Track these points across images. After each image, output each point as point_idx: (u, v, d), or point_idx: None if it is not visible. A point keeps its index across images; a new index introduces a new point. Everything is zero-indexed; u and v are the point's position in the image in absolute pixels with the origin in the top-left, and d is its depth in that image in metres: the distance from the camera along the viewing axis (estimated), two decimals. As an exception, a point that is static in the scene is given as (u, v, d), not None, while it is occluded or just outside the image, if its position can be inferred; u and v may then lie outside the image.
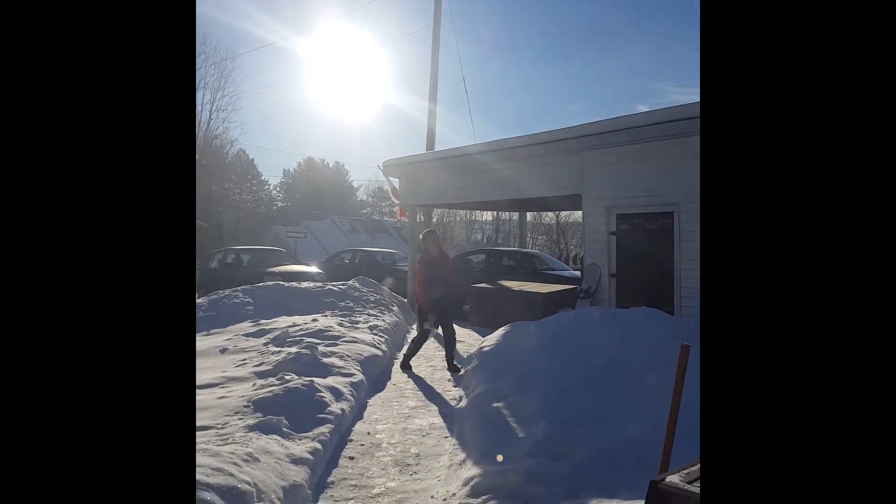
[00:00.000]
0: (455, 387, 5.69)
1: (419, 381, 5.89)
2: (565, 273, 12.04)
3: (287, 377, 4.51)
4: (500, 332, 6.54)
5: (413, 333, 8.43)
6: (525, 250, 14.60)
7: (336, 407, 4.28)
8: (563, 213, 29.18)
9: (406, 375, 6.11)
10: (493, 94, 77.62)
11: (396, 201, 13.17)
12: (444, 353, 6.58)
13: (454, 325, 6.56)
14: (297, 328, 6.63)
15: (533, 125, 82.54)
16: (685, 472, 1.64)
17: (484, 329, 8.72)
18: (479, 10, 66.90)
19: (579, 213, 9.49)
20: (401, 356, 6.98)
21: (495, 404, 4.53)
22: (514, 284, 10.04)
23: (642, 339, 5.36)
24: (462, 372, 6.06)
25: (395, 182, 12.76)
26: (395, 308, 9.40)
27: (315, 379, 4.58)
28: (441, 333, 6.56)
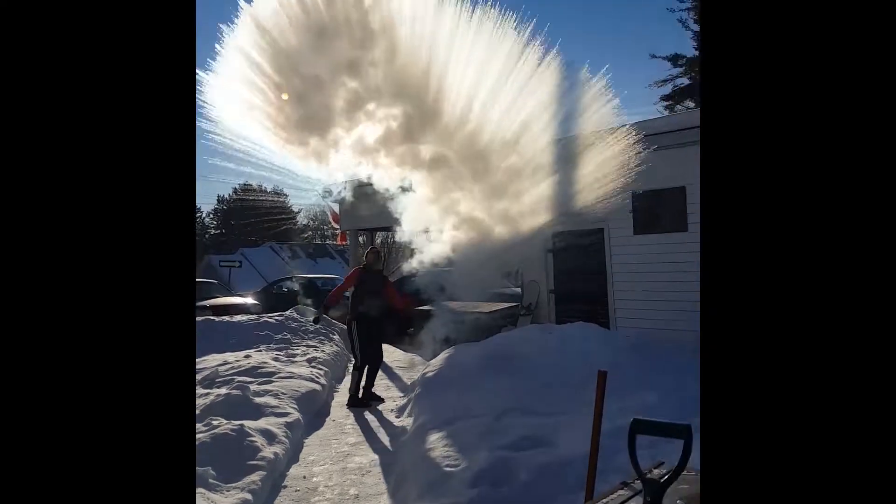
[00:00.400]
0: (397, 417, 5.55)
1: (360, 415, 5.71)
2: (506, 290, 12.12)
3: (215, 422, 4.25)
4: (442, 355, 6.48)
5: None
6: (467, 269, 14.63)
7: (269, 451, 4.06)
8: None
9: (346, 410, 5.91)
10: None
11: (337, 226, 12.96)
12: (387, 380, 6.46)
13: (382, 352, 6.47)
14: (227, 366, 6.32)
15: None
16: (607, 499, 1.60)
17: (428, 353, 8.62)
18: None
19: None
20: (342, 388, 6.79)
21: (437, 434, 4.43)
22: (457, 305, 10.00)
23: (579, 355, 5.42)
24: (406, 400, 5.93)
25: (336, 207, 12.56)
26: (336, 337, 9.16)
27: (245, 422, 4.34)
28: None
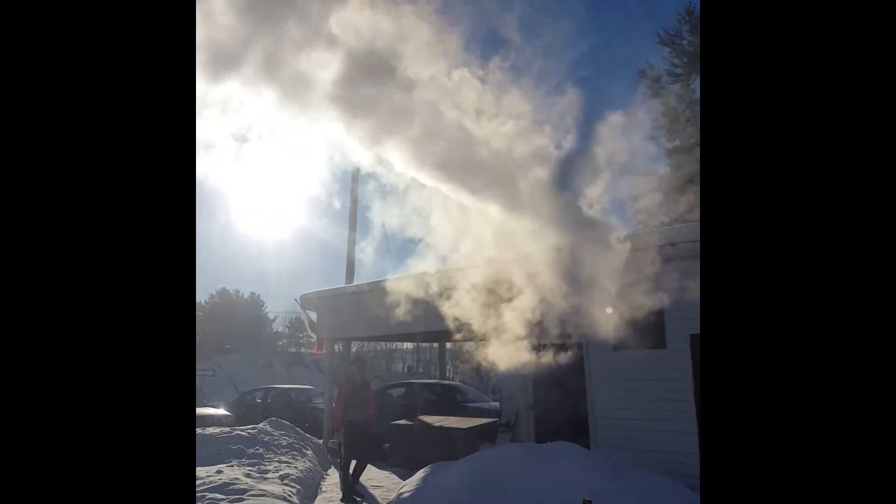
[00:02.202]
0: (372, 542, 5.29)
1: (333, 538, 5.43)
2: (485, 405, 11.97)
3: (182, 545, 4.04)
4: (419, 475, 6.30)
5: (331, 478, 7.90)
6: (445, 382, 14.48)
7: (237, 578, 3.84)
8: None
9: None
10: (412, 224, 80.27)
11: (313, 336, 12.89)
12: (367, 488, 6.35)
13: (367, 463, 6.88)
14: (199, 482, 6.04)
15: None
16: None
17: (405, 470, 8.32)
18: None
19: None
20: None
21: (414, 562, 4.25)
22: (435, 420, 9.80)
23: (560, 478, 5.34)
24: None
25: (313, 316, 12.58)
26: (310, 452, 8.84)
27: (215, 545, 4.13)
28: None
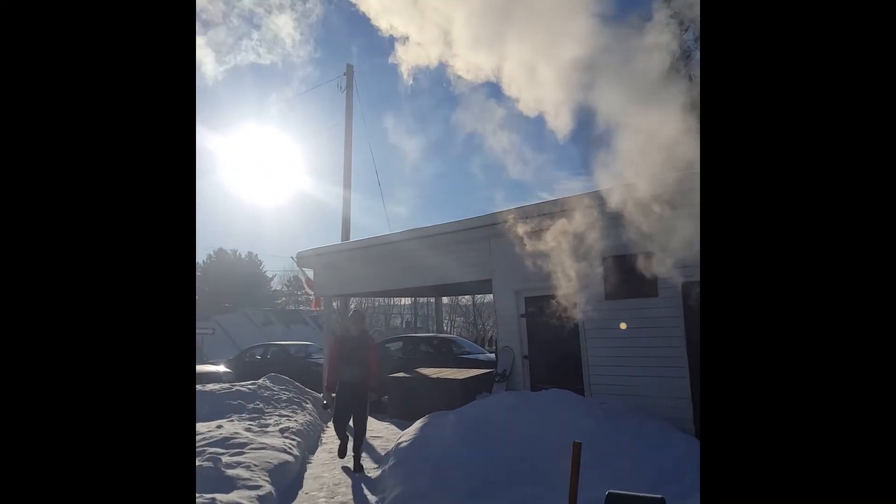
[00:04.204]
0: (371, 491, 5.44)
1: (333, 487, 5.58)
2: (481, 356, 12.15)
3: (185, 497, 4.14)
4: (417, 424, 6.42)
5: (330, 430, 8.05)
6: (442, 335, 14.64)
7: (240, 526, 3.96)
8: (479, 295, 29.74)
9: (319, 483, 5.77)
10: (406, 180, 79.99)
11: (311, 293, 12.95)
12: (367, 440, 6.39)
13: (367, 419, 6.40)
14: (199, 437, 6.15)
15: (446, 209, 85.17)
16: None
17: (403, 421, 8.51)
18: (389, 105, 70.01)
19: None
20: (314, 459, 6.67)
21: (412, 506, 4.37)
22: (432, 372, 9.97)
23: (555, 423, 5.45)
24: (380, 472, 5.83)
25: (310, 273, 12.61)
26: (309, 405, 9.00)
27: (217, 496, 4.24)
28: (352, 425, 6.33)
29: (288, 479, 5.63)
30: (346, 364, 6.23)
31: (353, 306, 15.84)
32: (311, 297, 13.42)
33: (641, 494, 1.61)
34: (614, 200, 5.86)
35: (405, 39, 4.80)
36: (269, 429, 6.99)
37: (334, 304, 13.36)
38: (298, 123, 62.87)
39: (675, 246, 4.82)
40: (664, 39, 3.86)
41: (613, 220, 7.25)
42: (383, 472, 5.64)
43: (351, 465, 6.17)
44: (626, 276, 7.16)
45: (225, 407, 8.02)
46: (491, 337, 23.78)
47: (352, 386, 6.22)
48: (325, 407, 6.65)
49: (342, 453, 6.46)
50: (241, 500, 4.38)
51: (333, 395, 6.48)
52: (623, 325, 7.25)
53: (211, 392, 8.58)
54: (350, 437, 6.39)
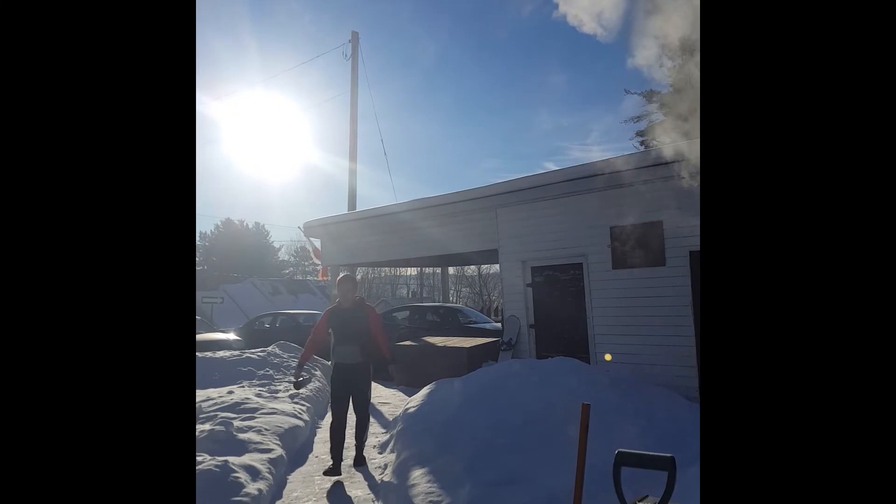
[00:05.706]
0: (380, 453, 5.56)
1: (343, 449, 5.69)
2: (487, 326, 12.25)
3: (199, 458, 4.25)
4: (424, 391, 6.52)
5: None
6: (448, 305, 14.75)
7: (252, 487, 4.06)
8: (485, 266, 29.80)
9: (329, 446, 5.87)
10: (411, 151, 79.49)
11: (319, 262, 13.02)
12: (375, 405, 6.43)
13: (369, 404, 5.31)
14: (211, 402, 6.29)
15: (452, 180, 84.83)
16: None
17: (410, 388, 8.64)
18: (396, 74, 69.09)
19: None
20: (323, 424, 6.77)
21: (419, 470, 4.47)
22: (438, 340, 10.08)
23: (561, 390, 5.50)
24: (388, 436, 5.94)
25: (317, 242, 12.66)
26: (318, 372, 9.14)
27: (230, 458, 4.34)
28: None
29: (298, 443, 5.76)
30: (338, 341, 5.01)
31: (359, 276, 15.90)
32: (319, 267, 13.49)
33: (651, 453, 1.63)
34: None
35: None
36: (279, 394, 7.12)
37: (341, 273, 13.43)
38: (305, 92, 62.28)
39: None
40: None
41: (619, 193, 7.21)
42: (392, 435, 5.75)
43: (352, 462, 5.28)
44: (633, 245, 7.15)
45: (236, 373, 8.16)
46: (497, 306, 23.92)
47: (348, 369, 5.00)
48: (297, 386, 5.28)
49: (334, 471, 4.86)
50: (254, 463, 4.49)
51: (304, 373, 5.61)
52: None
53: (222, 359, 8.72)
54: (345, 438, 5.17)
